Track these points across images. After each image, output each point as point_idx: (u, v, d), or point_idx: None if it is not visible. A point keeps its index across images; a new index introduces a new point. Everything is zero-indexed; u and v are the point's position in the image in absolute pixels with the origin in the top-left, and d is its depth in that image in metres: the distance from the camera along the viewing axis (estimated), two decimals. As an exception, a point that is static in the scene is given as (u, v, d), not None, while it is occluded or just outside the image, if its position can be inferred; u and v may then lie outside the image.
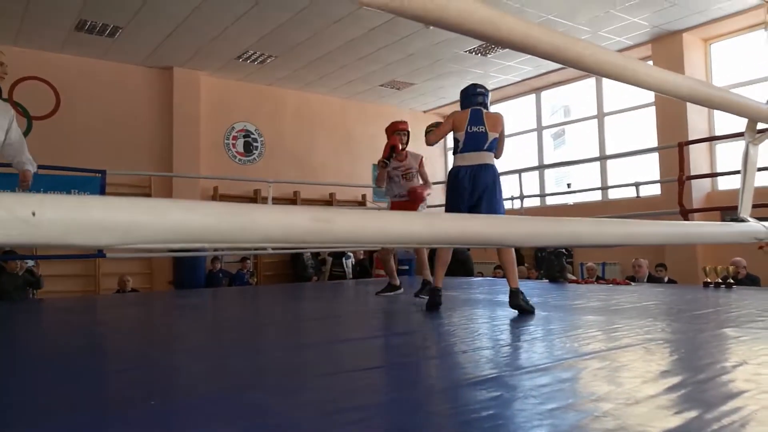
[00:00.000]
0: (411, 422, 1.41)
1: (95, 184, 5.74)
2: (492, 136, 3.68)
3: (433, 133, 3.96)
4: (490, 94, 3.93)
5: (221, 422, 1.41)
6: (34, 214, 0.44)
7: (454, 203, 3.68)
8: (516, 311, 3.47)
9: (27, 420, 1.47)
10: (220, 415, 1.47)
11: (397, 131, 4.67)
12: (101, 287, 8.47)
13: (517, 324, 3.08)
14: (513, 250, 3.72)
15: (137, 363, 2.29)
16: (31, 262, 6.95)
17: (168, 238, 0.48)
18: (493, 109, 3.95)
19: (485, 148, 3.68)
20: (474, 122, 3.70)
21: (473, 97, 3.82)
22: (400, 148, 4.62)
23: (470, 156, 3.68)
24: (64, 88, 8.58)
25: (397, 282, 4.85)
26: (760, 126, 1.54)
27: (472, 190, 3.62)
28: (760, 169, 1.90)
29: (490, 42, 0.88)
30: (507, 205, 5.89)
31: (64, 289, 8.04)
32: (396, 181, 4.74)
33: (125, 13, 7.25)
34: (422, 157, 4.81)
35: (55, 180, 5.69)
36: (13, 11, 7.11)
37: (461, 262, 8.64)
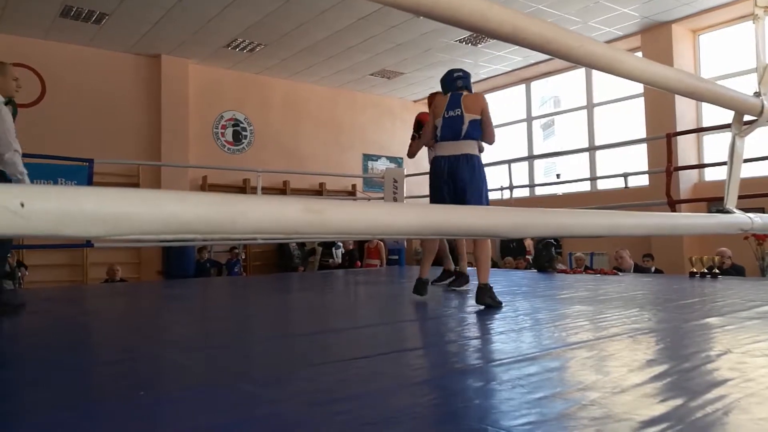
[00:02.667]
0: (400, 411, 1.42)
1: (83, 173, 5.68)
2: (469, 117, 3.42)
3: (414, 144, 3.71)
4: (470, 76, 3.69)
5: (211, 413, 1.41)
6: (22, 204, 0.44)
7: (436, 196, 3.56)
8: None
9: (12, 414, 1.47)
10: (209, 406, 1.47)
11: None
12: (89, 277, 8.41)
13: (505, 314, 3.10)
14: (489, 244, 3.58)
15: (125, 354, 2.28)
16: None
17: (159, 229, 0.48)
18: None
19: (463, 135, 3.43)
20: (451, 106, 3.48)
21: (452, 82, 3.58)
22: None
23: (447, 145, 3.49)
24: (50, 75, 8.47)
25: (452, 267, 4.64)
26: (747, 118, 1.55)
27: (452, 183, 3.46)
28: (746, 161, 1.92)
29: (480, 33, 0.88)
30: (496, 195, 5.89)
31: (51, 279, 7.98)
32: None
33: (112, -1, 7.16)
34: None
35: (42, 169, 5.62)
36: (-4, -3, 6.99)
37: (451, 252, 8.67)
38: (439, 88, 3.80)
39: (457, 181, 3.43)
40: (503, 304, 3.31)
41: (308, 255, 10.05)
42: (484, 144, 3.74)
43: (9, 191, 0.44)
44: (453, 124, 3.44)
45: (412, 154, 4.54)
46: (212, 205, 0.51)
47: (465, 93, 3.53)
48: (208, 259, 9.03)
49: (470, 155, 3.44)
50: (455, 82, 3.56)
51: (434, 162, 3.56)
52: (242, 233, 0.52)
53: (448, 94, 3.55)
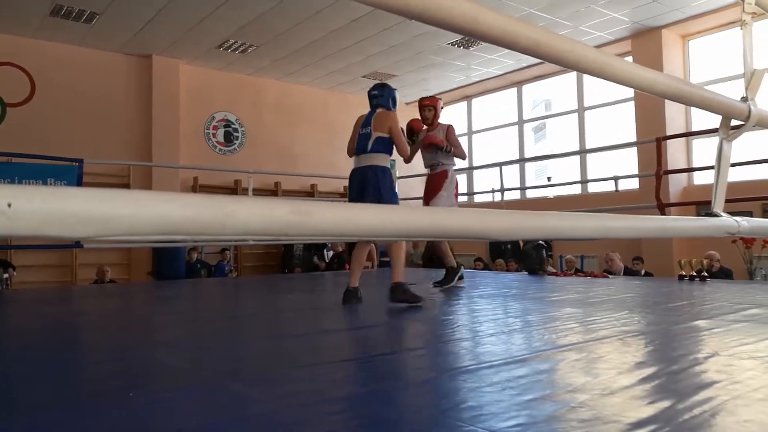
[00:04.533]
0: (391, 413, 1.42)
1: (72, 173, 5.64)
2: (376, 135, 3.69)
3: (348, 148, 3.95)
4: (392, 92, 3.89)
5: (202, 413, 1.40)
6: (9, 205, 0.44)
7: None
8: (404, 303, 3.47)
9: (0, 414, 1.45)
10: (200, 407, 1.46)
11: (420, 107, 4.66)
12: (78, 278, 8.35)
13: (495, 316, 3.11)
14: (403, 246, 3.76)
15: (115, 355, 2.27)
16: None
17: (147, 230, 0.48)
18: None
19: (370, 149, 3.69)
20: (365, 124, 3.79)
21: (370, 99, 3.90)
22: (422, 125, 4.66)
23: (358, 158, 3.76)
24: (40, 74, 8.40)
25: (454, 264, 4.72)
26: (734, 122, 1.57)
27: (361, 191, 3.64)
28: (733, 165, 1.94)
29: (471, 36, 0.88)
30: (487, 197, 5.92)
31: (40, 280, 7.91)
32: (425, 156, 4.73)
33: (103, -1, 7.12)
34: (449, 126, 4.71)
35: (31, 169, 5.57)
36: (-14, -5, 6.93)
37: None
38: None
39: (364, 190, 3.65)
40: (421, 299, 3.47)
41: (310, 257, 9.92)
42: (399, 158, 4.04)
43: (-4, 191, 0.43)
44: (362, 141, 3.75)
45: (409, 159, 4.50)
46: (201, 206, 0.51)
47: (379, 111, 3.79)
48: (198, 260, 8.99)
49: (375, 166, 3.69)
50: (372, 101, 3.88)
51: (350, 173, 3.84)
52: (231, 234, 0.52)
53: (368, 112, 3.85)
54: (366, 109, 3.96)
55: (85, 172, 5.77)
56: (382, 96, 3.83)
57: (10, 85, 8.16)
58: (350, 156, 3.96)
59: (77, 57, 8.72)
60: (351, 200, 3.80)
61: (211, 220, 0.50)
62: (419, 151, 4.68)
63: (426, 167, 4.80)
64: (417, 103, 4.81)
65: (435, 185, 4.66)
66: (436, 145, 4.54)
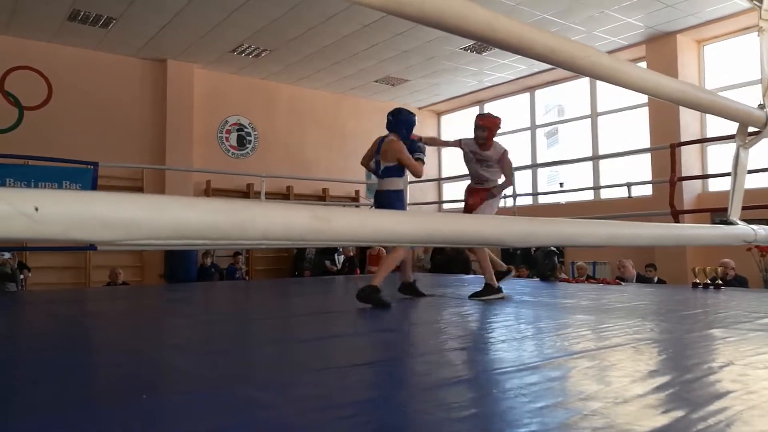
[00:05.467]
0: (401, 419, 1.42)
1: (87, 176, 5.71)
2: (384, 164, 3.97)
3: (364, 157, 4.21)
4: (407, 118, 4.07)
5: (212, 417, 1.41)
6: (36, 209, 0.45)
7: None
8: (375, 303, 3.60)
9: (13, 415, 1.47)
10: (210, 410, 1.47)
11: (475, 126, 4.42)
12: (92, 279, 8.43)
13: (507, 322, 3.10)
14: (400, 254, 3.95)
15: (127, 357, 2.29)
16: (7, 254, 6.83)
17: (168, 235, 0.49)
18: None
19: (381, 175, 4.01)
20: (378, 150, 4.05)
21: (387, 124, 4.10)
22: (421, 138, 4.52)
23: (377, 182, 4.10)
24: (57, 78, 8.52)
25: (495, 284, 4.34)
26: (751, 129, 1.56)
27: None
28: (750, 172, 1.92)
29: (486, 43, 0.89)
30: (500, 203, 5.90)
31: (54, 281, 8.00)
32: (471, 168, 4.50)
33: (119, 3, 7.20)
34: (504, 151, 4.41)
35: (47, 171, 5.65)
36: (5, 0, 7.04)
37: (462, 261, 8.73)
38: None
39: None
40: (390, 306, 3.62)
41: (322, 261, 9.90)
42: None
43: (24, 195, 0.44)
44: (376, 165, 4.06)
45: (421, 173, 4.33)
46: (221, 211, 0.51)
47: (388, 138, 4.01)
48: (211, 264, 9.05)
49: (389, 191, 3.99)
50: (388, 126, 4.09)
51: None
52: (250, 240, 0.53)
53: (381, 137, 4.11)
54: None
55: (100, 175, 5.84)
56: (394, 122, 4.06)
57: (27, 88, 8.28)
58: (363, 166, 4.26)
59: (93, 61, 8.83)
60: None
61: (232, 226, 0.51)
62: (466, 164, 4.53)
63: (472, 181, 4.57)
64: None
65: (477, 198, 4.47)
66: (483, 158, 4.39)
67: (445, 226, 0.74)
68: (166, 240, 0.50)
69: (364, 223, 0.61)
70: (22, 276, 7.16)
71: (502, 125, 4.49)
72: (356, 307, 3.64)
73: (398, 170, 3.98)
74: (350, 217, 0.60)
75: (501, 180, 4.47)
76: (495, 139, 4.43)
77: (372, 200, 4.37)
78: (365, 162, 4.20)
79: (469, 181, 4.64)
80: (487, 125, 4.38)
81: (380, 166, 3.99)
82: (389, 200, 3.96)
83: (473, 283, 6.03)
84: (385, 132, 4.11)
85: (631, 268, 6.95)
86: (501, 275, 4.54)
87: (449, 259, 9.41)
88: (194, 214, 0.50)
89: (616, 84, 1.13)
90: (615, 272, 8.10)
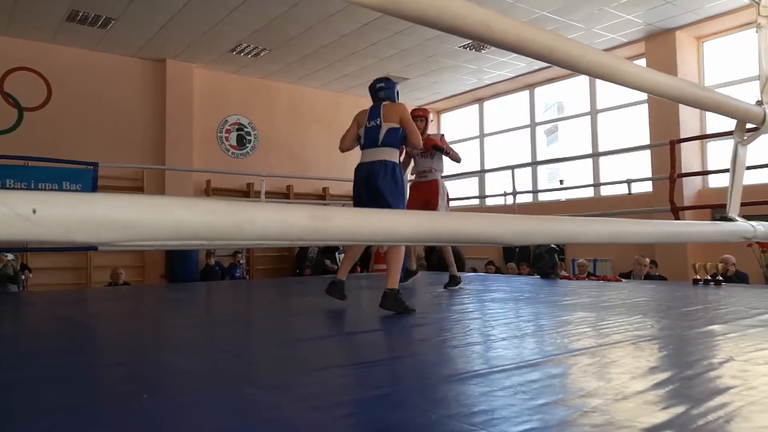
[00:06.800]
0: (402, 417, 1.42)
1: (87, 176, 5.71)
2: (387, 126, 3.59)
3: (342, 139, 3.88)
4: (395, 85, 3.84)
5: (214, 417, 1.42)
6: (35, 211, 0.45)
7: (356, 200, 3.75)
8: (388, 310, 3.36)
9: (14, 416, 1.48)
10: (212, 410, 1.47)
11: (413, 117, 4.54)
12: (93, 280, 8.44)
13: (507, 320, 3.10)
14: (402, 250, 3.68)
15: (129, 357, 2.29)
16: (10, 256, 6.84)
17: (168, 236, 0.49)
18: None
19: (381, 143, 3.59)
20: (372, 117, 3.67)
21: (375, 92, 3.79)
22: (426, 134, 4.84)
23: (367, 153, 3.65)
24: (56, 79, 8.51)
25: (458, 274, 5.08)
26: (750, 126, 1.56)
27: (369, 187, 3.57)
28: (748, 168, 1.92)
29: (485, 43, 0.89)
30: (500, 201, 6.06)
31: (55, 282, 8.00)
32: (417, 162, 5.02)
33: (118, 4, 7.20)
34: (441, 135, 5.08)
35: (47, 172, 5.66)
36: (4, 0, 7.04)
37: (455, 258, 8.67)
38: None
39: (373, 185, 3.56)
40: (414, 310, 3.37)
41: (322, 260, 9.92)
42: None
43: (21, 197, 0.45)
44: (372, 134, 3.63)
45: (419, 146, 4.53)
46: (220, 212, 0.52)
47: (385, 103, 3.71)
48: (215, 262, 9.07)
49: (386, 161, 3.58)
50: (378, 93, 3.77)
51: (356, 168, 3.71)
52: (249, 240, 0.53)
53: (370, 106, 3.77)
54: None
55: (100, 176, 5.85)
56: (388, 89, 3.77)
57: (26, 89, 8.28)
58: (343, 151, 3.93)
59: (93, 62, 8.83)
60: (356, 197, 3.71)
61: (230, 226, 0.51)
62: (414, 160, 5.01)
63: (415, 173, 5.04)
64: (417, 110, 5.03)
65: (428, 196, 4.89)
66: (437, 148, 4.81)
67: (445, 224, 0.74)
68: (165, 241, 0.50)
69: (363, 222, 0.61)
70: (23, 277, 7.17)
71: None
72: (357, 306, 3.64)
73: (399, 138, 3.65)
74: (349, 216, 0.60)
75: (442, 172, 5.01)
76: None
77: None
78: (347, 143, 3.84)
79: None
80: (424, 114, 4.93)
81: (380, 131, 3.59)
82: (388, 172, 3.55)
83: (473, 281, 6.04)
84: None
85: (645, 266, 6.93)
86: (409, 275, 5.18)
87: (441, 257, 9.41)
88: (194, 215, 0.50)
89: (614, 82, 1.13)
90: (616, 269, 8.11)
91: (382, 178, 3.54)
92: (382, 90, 3.76)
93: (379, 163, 3.57)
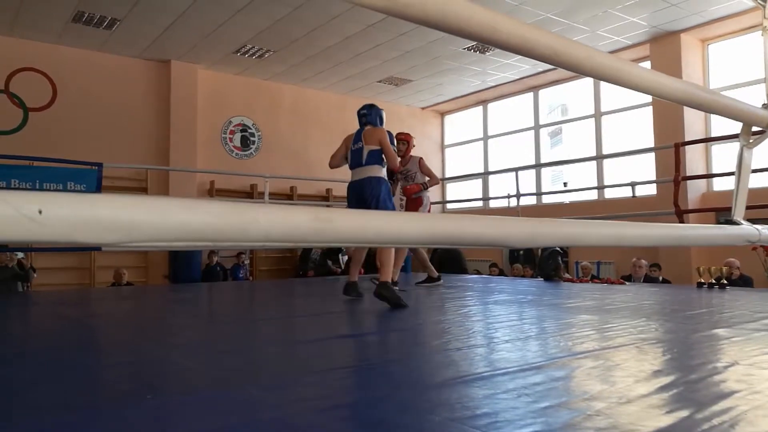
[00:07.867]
0: (404, 419, 1.42)
1: (92, 177, 5.73)
2: (368, 148, 4.03)
3: (332, 157, 4.37)
4: (379, 111, 4.24)
5: (216, 417, 1.42)
6: (40, 212, 0.45)
7: None
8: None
9: (17, 415, 1.48)
10: (215, 410, 1.48)
11: (397, 141, 5.10)
12: (96, 280, 8.46)
13: (511, 322, 3.10)
14: (392, 251, 4.01)
15: (132, 357, 2.29)
16: (20, 254, 6.90)
17: (171, 237, 0.49)
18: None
19: (364, 162, 4.04)
20: (355, 141, 4.16)
21: (359, 118, 4.24)
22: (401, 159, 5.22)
23: (355, 172, 4.12)
24: (61, 79, 8.55)
25: (435, 273, 5.53)
26: (755, 129, 1.55)
27: (360, 199, 4.01)
28: (754, 171, 1.92)
29: (489, 44, 0.89)
30: (503, 203, 6.16)
31: (59, 282, 8.03)
32: (400, 185, 5.40)
33: (123, 5, 7.23)
34: (420, 159, 5.42)
35: (51, 172, 5.68)
36: (10, 1, 7.07)
37: (454, 260, 8.68)
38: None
39: (362, 198, 4.01)
40: (406, 305, 3.66)
41: (325, 261, 9.94)
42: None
43: (27, 198, 0.45)
44: (356, 156, 4.12)
45: (397, 169, 5.03)
46: (223, 213, 0.52)
47: (367, 128, 4.14)
48: (217, 263, 9.08)
49: (372, 177, 4.04)
50: (361, 119, 4.23)
51: (348, 186, 4.19)
52: (252, 241, 0.53)
53: (356, 131, 4.21)
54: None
55: (104, 176, 5.87)
56: (369, 115, 4.19)
57: (32, 89, 8.32)
58: (332, 168, 4.41)
59: (98, 62, 8.86)
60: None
61: (234, 228, 0.51)
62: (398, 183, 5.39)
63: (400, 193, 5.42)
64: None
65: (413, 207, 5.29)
66: (417, 194, 5.23)
67: (448, 227, 0.74)
68: (169, 242, 0.50)
69: (367, 224, 0.61)
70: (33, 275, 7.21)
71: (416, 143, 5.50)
72: (358, 307, 3.65)
73: (381, 158, 4.07)
74: (352, 217, 0.60)
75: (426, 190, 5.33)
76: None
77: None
78: (335, 161, 4.33)
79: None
80: (406, 138, 5.32)
81: (363, 154, 4.05)
82: (372, 187, 4.00)
83: (476, 282, 6.03)
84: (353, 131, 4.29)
85: (645, 268, 6.93)
86: (430, 280, 5.49)
87: (440, 260, 9.43)
88: (197, 217, 0.50)
89: (619, 85, 1.13)
90: (620, 272, 8.09)
91: (370, 191, 4.01)
92: (365, 116, 4.21)
93: (366, 179, 4.04)
